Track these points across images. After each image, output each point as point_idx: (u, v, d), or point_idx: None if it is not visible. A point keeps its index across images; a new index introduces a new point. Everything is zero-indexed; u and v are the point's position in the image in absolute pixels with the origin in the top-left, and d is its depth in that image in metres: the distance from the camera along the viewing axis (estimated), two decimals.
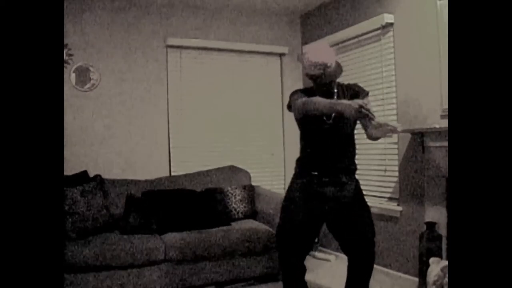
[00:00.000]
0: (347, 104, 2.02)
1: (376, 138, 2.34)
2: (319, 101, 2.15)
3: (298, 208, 2.36)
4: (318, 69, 2.21)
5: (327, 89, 2.34)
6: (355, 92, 2.40)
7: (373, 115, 1.99)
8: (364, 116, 1.99)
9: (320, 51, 2.25)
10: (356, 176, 2.47)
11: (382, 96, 3.54)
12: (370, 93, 3.57)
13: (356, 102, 2.00)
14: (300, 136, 2.49)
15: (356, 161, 2.48)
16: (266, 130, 4.49)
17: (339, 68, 2.30)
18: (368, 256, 2.38)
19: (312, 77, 2.29)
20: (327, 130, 2.33)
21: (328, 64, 2.21)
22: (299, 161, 2.46)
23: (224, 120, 4.31)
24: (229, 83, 4.35)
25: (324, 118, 2.32)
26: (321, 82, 2.29)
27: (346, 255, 2.45)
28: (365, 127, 2.37)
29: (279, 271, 3.29)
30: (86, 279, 2.83)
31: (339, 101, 2.13)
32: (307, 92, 2.41)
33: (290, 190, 2.46)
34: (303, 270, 2.49)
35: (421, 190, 3.15)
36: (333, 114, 2.30)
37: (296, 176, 2.45)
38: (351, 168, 2.42)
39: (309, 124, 2.37)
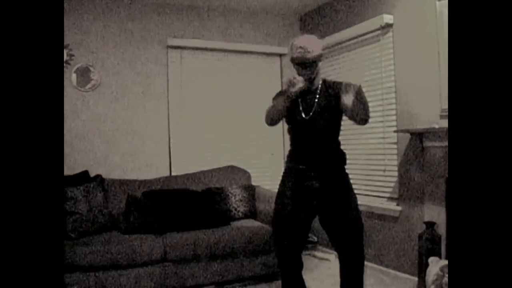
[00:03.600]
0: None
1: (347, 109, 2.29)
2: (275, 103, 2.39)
3: (289, 202, 2.39)
4: (299, 52, 2.28)
5: (309, 83, 2.38)
6: (340, 89, 2.36)
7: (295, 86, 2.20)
8: (291, 85, 2.21)
9: (307, 39, 2.35)
10: (351, 172, 2.48)
11: (382, 96, 3.55)
12: (369, 93, 3.61)
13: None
14: (288, 130, 2.54)
15: (347, 156, 2.48)
16: (266, 130, 4.46)
17: (321, 57, 2.36)
18: (356, 250, 2.39)
19: (294, 61, 2.34)
20: (309, 124, 2.36)
21: (309, 50, 2.28)
22: (288, 155, 2.50)
23: (224, 120, 4.32)
24: (229, 84, 4.36)
25: (303, 115, 2.37)
26: (302, 63, 2.32)
27: (336, 249, 2.46)
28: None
29: (279, 270, 3.31)
30: (86, 279, 2.84)
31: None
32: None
33: (281, 184, 2.49)
34: (300, 264, 2.49)
35: (421, 190, 3.16)
36: (313, 110, 2.35)
37: (286, 170, 2.49)
38: (339, 160, 2.44)
39: (291, 120, 2.43)
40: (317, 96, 2.38)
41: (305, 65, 2.31)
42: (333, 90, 2.39)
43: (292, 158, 2.45)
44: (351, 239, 2.37)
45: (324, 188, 2.35)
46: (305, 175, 2.36)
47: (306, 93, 2.39)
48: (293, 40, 2.37)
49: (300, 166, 2.38)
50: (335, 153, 2.43)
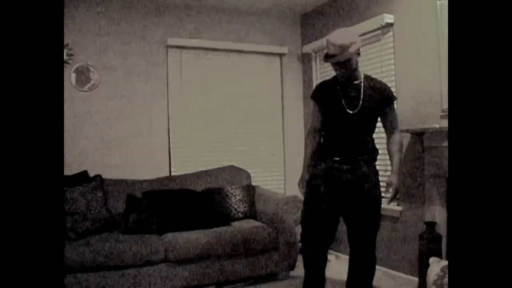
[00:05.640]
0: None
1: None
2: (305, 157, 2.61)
3: (319, 195, 2.40)
4: (331, 50, 2.27)
5: (349, 77, 2.39)
6: (384, 97, 2.44)
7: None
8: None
9: (340, 35, 2.32)
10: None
11: None
12: None
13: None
14: (322, 125, 2.56)
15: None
16: (266, 130, 4.50)
17: (356, 55, 2.34)
18: (367, 251, 2.40)
19: (326, 59, 2.33)
20: (352, 120, 2.38)
21: (344, 47, 2.25)
22: (320, 150, 2.52)
23: (224, 120, 4.31)
24: (229, 83, 4.35)
25: (348, 110, 2.38)
26: (337, 62, 2.31)
27: (349, 245, 2.48)
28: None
29: (279, 270, 3.31)
30: (86, 279, 2.83)
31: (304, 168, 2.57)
32: (328, 85, 2.50)
33: (311, 177, 2.49)
34: (324, 261, 2.50)
35: (421, 190, 3.15)
36: (359, 107, 2.37)
37: (316, 162, 2.49)
38: (372, 157, 2.46)
39: (331, 115, 2.44)
40: (362, 92, 2.38)
41: (340, 63, 2.30)
42: (376, 92, 2.42)
43: (326, 152, 2.45)
44: (366, 236, 2.40)
45: (355, 181, 2.36)
46: (338, 168, 2.37)
47: (348, 87, 2.39)
48: (328, 36, 2.34)
49: (334, 158, 2.38)
50: (370, 149, 2.45)
